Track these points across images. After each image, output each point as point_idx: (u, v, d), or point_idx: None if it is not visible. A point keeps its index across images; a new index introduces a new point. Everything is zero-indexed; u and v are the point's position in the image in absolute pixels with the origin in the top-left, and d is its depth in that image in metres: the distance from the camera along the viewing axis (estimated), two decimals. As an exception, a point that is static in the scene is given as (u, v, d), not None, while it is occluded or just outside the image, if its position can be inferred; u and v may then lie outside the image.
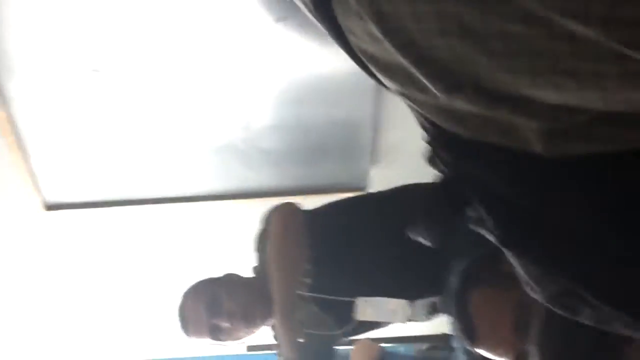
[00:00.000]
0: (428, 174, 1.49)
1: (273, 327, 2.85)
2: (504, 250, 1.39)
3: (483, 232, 1.40)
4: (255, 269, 3.09)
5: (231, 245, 4.09)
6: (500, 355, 2.09)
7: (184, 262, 4.19)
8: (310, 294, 2.95)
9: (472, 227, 1.42)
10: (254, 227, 3.17)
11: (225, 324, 2.99)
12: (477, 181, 1.35)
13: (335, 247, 2.90)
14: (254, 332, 3.05)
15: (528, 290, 1.41)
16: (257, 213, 3.20)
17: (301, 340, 2.76)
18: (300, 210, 2.99)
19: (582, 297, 1.33)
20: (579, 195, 1.25)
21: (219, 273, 3.10)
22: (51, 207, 3.76)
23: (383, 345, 4.10)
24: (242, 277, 3.08)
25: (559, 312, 1.39)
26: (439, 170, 1.44)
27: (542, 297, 1.39)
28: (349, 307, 2.96)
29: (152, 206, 3.81)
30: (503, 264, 2.03)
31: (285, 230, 2.90)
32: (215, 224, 4.00)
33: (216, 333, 3.01)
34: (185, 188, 3.74)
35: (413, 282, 2.95)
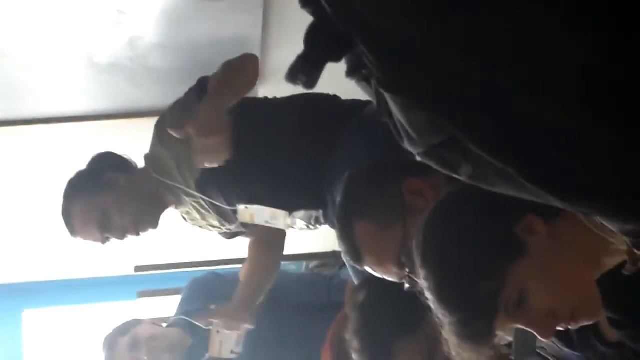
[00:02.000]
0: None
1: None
2: (387, 94, 1.30)
3: (361, 82, 1.35)
4: (147, 158, 3.08)
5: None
6: (385, 275, 2.11)
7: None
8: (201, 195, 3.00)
9: (349, 76, 1.36)
10: (142, 145, 3.15)
11: (116, 238, 3.05)
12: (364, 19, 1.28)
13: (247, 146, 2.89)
14: None
15: (405, 144, 1.35)
16: (144, 132, 3.17)
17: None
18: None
19: (465, 148, 1.29)
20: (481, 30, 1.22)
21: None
22: None
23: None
24: (128, 182, 3.07)
25: (436, 166, 1.35)
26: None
27: (421, 149, 1.33)
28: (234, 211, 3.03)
29: (38, 126, 3.74)
30: (387, 185, 2.06)
31: (248, 75, 2.87)
32: (102, 143, 3.95)
33: (107, 240, 3.09)
34: (71, 107, 3.68)
35: (293, 198, 2.96)
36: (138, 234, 3.10)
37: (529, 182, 1.29)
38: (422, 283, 1.63)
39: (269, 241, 3.31)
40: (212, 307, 3.77)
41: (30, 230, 4.54)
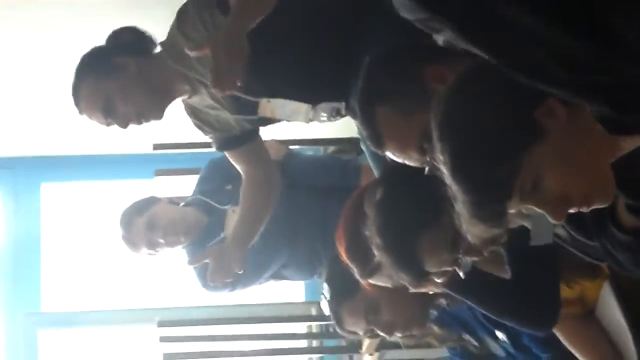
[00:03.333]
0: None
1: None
2: None
3: None
4: (164, 44, 3.06)
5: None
6: (406, 161, 2.12)
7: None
8: None
9: None
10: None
11: (119, 125, 3.04)
12: None
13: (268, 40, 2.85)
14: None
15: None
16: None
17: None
18: None
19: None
20: None
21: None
22: None
23: (291, 147, 4.14)
24: (138, 69, 3.04)
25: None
26: None
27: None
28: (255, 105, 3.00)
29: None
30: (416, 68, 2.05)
31: None
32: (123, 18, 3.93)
33: (111, 124, 3.07)
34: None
35: (317, 90, 2.95)
36: (141, 124, 3.07)
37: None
38: (438, 158, 1.63)
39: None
40: (229, 187, 3.80)
41: (50, 104, 4.54)
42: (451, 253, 2.24)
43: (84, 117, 3.09)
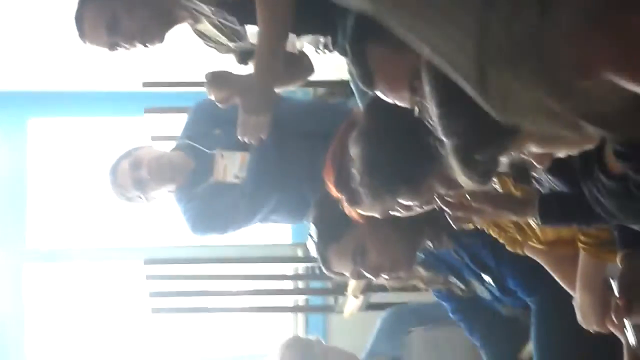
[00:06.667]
0: None
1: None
2: None
3: None
4: None
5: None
6: (397, 101, 2.11)
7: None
8: None
9: None
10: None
11: (124, 45, 3.03)
12: None
13: None
14: None
15: None
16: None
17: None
18: None
19: None
20: None
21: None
22: None
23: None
24: None
25: None
26: None
27: None
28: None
29: None
30: None
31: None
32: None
33: (115, 48, 3.06)
34: None
35: (301, 21, 2.91)
36: (145, 45, 3.08)
37: None
38: (427, 97, 1.62)
39: None
40: (217, 131, 3.79)
41: (39, 38, 4.51)
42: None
43: (87, 44, 3.08)
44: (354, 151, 2.31)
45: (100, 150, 4.97)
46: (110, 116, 5.21)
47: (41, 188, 5.19)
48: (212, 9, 2.97)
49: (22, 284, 5.06)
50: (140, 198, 3.78)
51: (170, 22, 3.11)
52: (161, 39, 3.10)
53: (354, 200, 2.41)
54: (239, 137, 2.96)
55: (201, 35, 3.25)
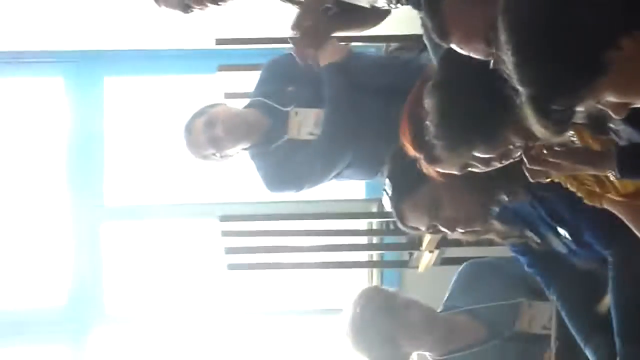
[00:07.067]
0: None
1: None
2: None
3: None
4: None
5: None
6: (472, 53, 2.09)
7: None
8: None
9: None
10: None
11: (196, 6, 3.06)
12: None
13: None
14: None
15: None
16: None
17: None
18: None
19: None
20: None
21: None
22: None
23: (353, 44, 4.11)
24: None
25: None
26: None
27: None
28: None
29: None
30: None
31: None
32: None
33: (188, 10, 3.10)
34: None
35: None
36: (217, 4, 3.08)
37: None
38: (503, 46, 1.61)
39: None
40: (291, 88, 3.79)
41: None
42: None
43: (162, 7, 3.10)
44: (428, 103, 2.30)
45: (174, 108, 5.00)
46: (184, 74, 5.24)
47: (118, 147, 5.25)
48: None
49: (100, 242, 5.13)
50: (215, 156, 3.81)
51: None
52: None
53: (432, 159, 2.40)
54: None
55: None
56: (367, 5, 3.03)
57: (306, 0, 2.79)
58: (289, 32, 2.98)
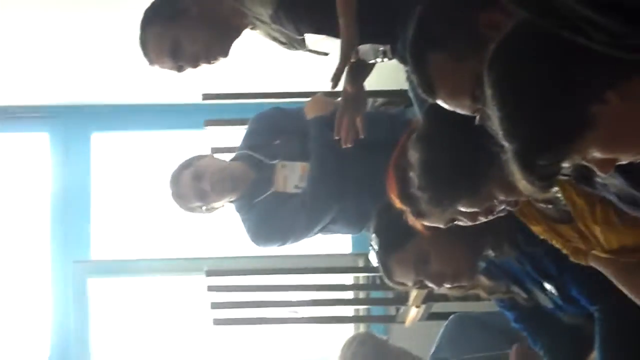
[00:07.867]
0: None
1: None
2: None
3: None
4: None
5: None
6: (458, 109, 2.10)
7: None
8: None
9: None
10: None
11: (189, 66, 3.07)
12: None
13: None
14: None
15: None
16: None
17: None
18: None
19: None
20: None
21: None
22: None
23: (338, 100, 4.12)
24: (200, 8, 3.07)
25: None
26: None
27: None
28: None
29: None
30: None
31: None
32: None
33: (182, 69, 3.13)
34: None
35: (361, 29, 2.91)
36: (210, 63, 3.11)
37: None
38: (489, 101, 1.61)
39: None
40: (277, 142, 3.80)
41: (101, 52, 4.56)
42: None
43: (155, 67, 3.14)
44: (412, 155, 2.31)
45: (161, 163, 5.01)
46: (171, 129, 5.25)
47: (105, 202, 5.24)
48: (270, 12, 2.98)
49: (88, 298, 5.10)
50: (202, 208, 3.81)
51: (232, 35, 3.13)
52: (225, 54, 3.13)
53: (418, 212, 2.40)
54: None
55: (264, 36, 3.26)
56: (373, 60, 3.04)
57: (344, 50, 2.77)
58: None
